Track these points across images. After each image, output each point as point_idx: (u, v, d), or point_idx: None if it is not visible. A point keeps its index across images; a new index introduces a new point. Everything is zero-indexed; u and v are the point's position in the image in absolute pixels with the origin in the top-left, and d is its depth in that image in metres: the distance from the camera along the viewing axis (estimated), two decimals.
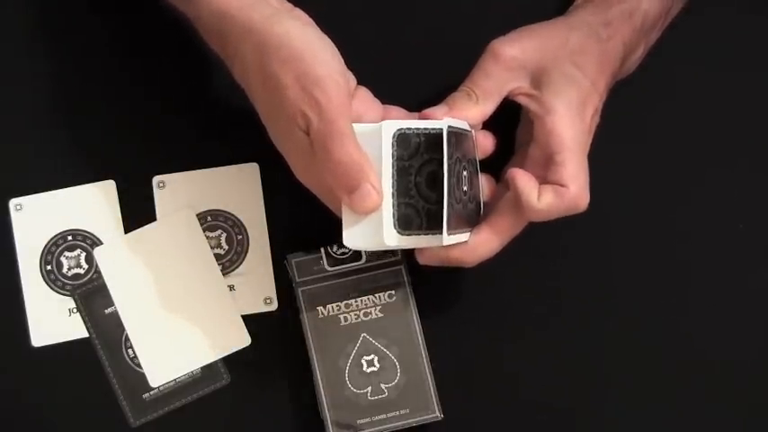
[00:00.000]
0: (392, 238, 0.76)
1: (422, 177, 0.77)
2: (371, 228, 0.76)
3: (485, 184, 0.81)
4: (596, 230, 0.89)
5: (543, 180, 0.78)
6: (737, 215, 0.89)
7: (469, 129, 0.79)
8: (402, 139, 0.76)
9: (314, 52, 0.75)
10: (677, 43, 0.89)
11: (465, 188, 0.78)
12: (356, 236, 0.76)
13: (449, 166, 0.75)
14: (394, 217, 0.76)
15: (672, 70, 0.90)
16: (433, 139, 0.76)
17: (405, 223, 0.76)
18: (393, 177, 0.75)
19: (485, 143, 0.81)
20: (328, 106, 0.74)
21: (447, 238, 0.76)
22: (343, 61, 0.77)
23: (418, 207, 0.77)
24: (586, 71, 0.79)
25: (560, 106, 0.78)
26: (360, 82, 0.79)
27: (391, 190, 0.75)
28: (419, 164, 0.76)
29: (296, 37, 0.75)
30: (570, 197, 0.77)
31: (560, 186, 0.77)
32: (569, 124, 0.78)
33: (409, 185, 0.76)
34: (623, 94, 0.83)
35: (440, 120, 0.76)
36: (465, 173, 0.78)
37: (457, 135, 0.77)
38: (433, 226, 0.77)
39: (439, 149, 0.76)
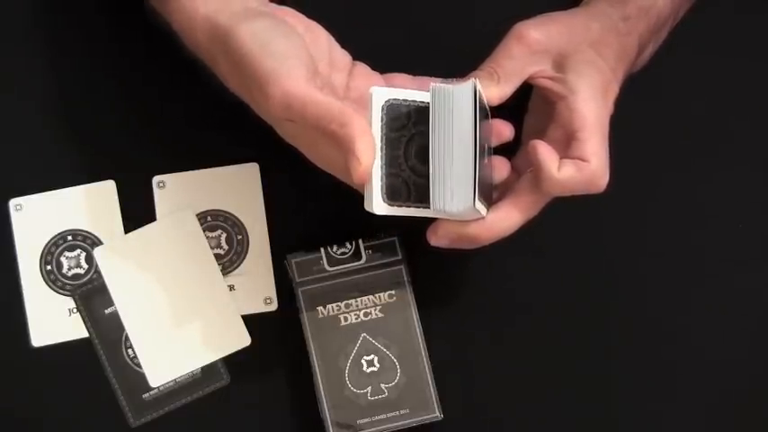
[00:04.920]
0: (379, 207, 0.75)
1: (411, 150, 0.76)
2: (367, 195, 0.76)
3: (501, 165, 0.81)
4: (596, 231, 0.89)
5: (564, 157, 0.77)
6: (737, 215, 0.89)
7: (487, 108, 0.79)
8: (392, 108, 0.75)
9: (263, 50, 0.74)
10: (680, 43, 0.89)
11: (486, 160, 0.78)
12: (366, 200, 0.76)
13: (480, 127, 0.74)
14: (382, 187, 0.75)
15: (672, 70, 0.90)
16: (424, 111, 0.76)
17: (392, 194, 0.75)
18: (382, 146, 0.75)
19: (503, 130, 0.80)
20: (283, 100, 0.73)
21: (477, 202, 0.75)
22: (306, 42, 0.76)
23: (407, 179, 0.76)
24: (607, 60, 0.79)
25: (584, 87, 0.78)
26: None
27: (380, 159, 0.75)
28: (408, 136, 0.76)
29: (248, 43, 0.75)
30: (590, 171, 0.76)
31: (581, 161, 0.77)
32: (593, 105, 0.77)
33: (398, 156, 0.76)
34: (622, 94, 0.83)
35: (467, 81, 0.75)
36: (486, 145, 0.78)
37: (481, 105, 0.76)
38: (423, 199, 0.76)
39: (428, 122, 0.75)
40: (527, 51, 0.79)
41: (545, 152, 0.76)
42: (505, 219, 0.78)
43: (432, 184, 0.75)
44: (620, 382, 0.88)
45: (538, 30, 0.79)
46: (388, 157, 0.75)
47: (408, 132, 0.76)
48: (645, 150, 0.89)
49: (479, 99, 0.75)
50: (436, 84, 0.75)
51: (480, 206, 0.75)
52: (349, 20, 0.85)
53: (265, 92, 0.74)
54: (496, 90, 0.78)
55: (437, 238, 0.78)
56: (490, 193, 0.79)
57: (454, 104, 0.75)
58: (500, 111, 0.80)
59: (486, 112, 0.79)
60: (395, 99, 0.76)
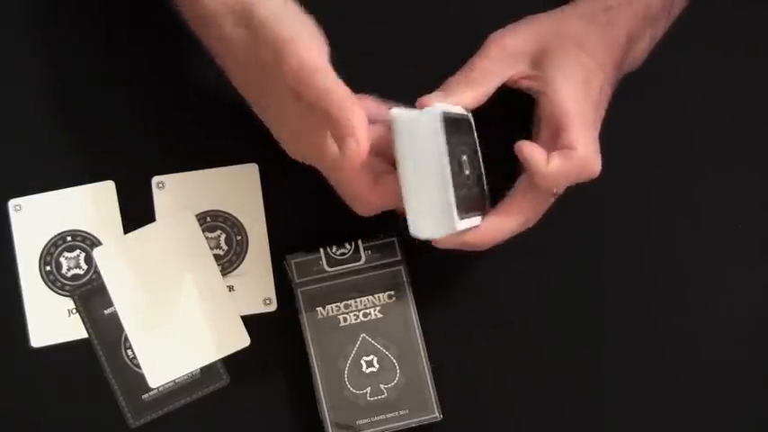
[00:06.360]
0: (458, 222, 0.75)
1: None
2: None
3: None
4: (595, 231, 0.89)
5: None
6: (737, 215, 0.89)
7: (465, 113, 0.79)
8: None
9: (281, 19, 0.75)
10: (678, 42, 0.89)
11: (467, 172, 0.78)
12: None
13: (449, 151, 0.74)
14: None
15: (669, 69, 0.90)
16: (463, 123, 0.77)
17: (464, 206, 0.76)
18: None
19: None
20: (297, 67, 0.73)
21: (459, 223, 0.75)
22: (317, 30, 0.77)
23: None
24: (590, 52, 0.79)
25: (561, 78, 0.78)
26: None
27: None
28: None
29: (265, 11, 0.75)
30: (579, 158, 0.76)
31: (568, 149, 0.77)
32: (572, 94, 0.78)
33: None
34: (621, 93, 0.83)
35: (432, 107, 0.75)
36: (464, 157, 0.78)
37: (453, 120, 0.76)
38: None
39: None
40: (502, 55, 0.80)
41: (530, 149, 0.76)
42: (498, 225, 0.78)
43: (409, 211, 0.75)
44: (620, 382, 0.88)
45: (513, 34, 0.80)
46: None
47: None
48: (642, 150, 0.89)
49: (450, 116, 0.75)
50: (397, 110, 0.76)
51: (467, 222, 0.76)
52: (343, 20, 0.85)
53: (281, 58, 0.74)
54: (470, 95, 0.79)
55: (442, 245, 0.78)
56: (482, 202, 0.79)
57: (421, 130, 0.74)
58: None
59: (466, 121, 0.79)
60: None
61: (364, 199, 0.79)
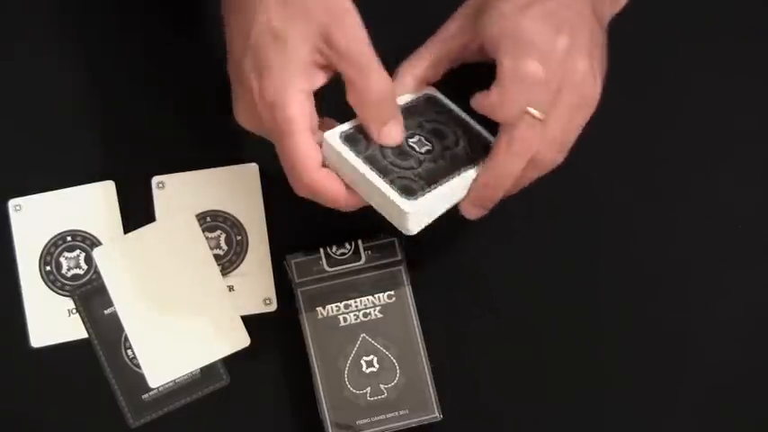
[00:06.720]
0: (406, 205, 0.76)
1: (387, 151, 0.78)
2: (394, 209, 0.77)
3: None
4: (595, 230, 0.89)
5: None
6: (737, 215, 0.89)
7: (421, 95, 0.81)
8: (348, 137, 0.78)
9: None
10: (677, 42, 0.89)
11: (424, 149, 0.79)
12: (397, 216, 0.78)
13: (367, 156, 0.77)
14: (397, 190, 0.77)
15: (671, 69, 0.90)
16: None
17: (408, 190, 0.77)
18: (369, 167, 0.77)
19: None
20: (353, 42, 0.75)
21: (415, 203, 0.76)
22: None
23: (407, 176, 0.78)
24: None
25: (487, 18, 0.77)
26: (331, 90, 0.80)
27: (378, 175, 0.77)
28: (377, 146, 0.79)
29: None
30: (507, 70, 0.75)
31: (499, 69, 0.76)
32: (498, 25, 0.76)
33: (386, 165, 0.78)
34: (621, 93, 0.83)
35: (326, 134, 0.78)
36: (416, 138, 0.79)
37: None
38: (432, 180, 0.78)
39: None
40: (439, 43, 0.81)
41: (476, 96, 0.77)
42: (494, 165, 0.77)
43: (388, 219, 0.77)
44: (620, 382, 0.88)
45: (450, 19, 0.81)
46: (378, 170, 0.77)
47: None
48: (643, 150, 0.89)
49: (350, 135, 0.78)
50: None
51: (443, 187, 0.77)
52: None
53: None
54: (408, 79, 0.81)
55: (470, 215, 0.79)
56: (473, 152, 0.80)
57: (330, 157, 0.77)
58: None
59: (425, 102, 0.81)
60: (346, 130, 0.78)
61: (304, 173, 0.77)
